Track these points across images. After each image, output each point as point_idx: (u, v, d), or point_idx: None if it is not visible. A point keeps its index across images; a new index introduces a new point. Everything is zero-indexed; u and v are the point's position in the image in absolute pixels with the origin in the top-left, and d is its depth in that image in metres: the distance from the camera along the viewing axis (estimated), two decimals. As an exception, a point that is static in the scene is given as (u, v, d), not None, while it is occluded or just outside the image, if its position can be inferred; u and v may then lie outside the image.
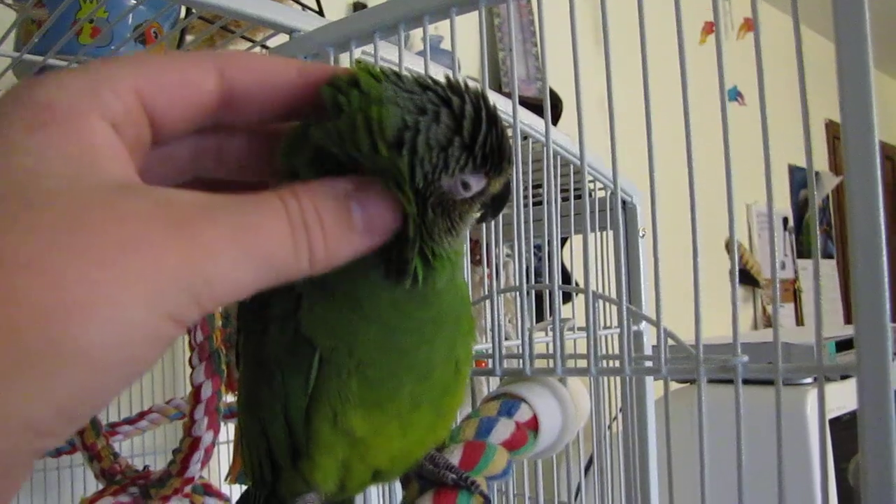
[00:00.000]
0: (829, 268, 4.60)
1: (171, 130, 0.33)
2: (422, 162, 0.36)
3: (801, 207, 4.39)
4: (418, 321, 0.44)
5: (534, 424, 0.56)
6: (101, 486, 1.19)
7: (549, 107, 0.64)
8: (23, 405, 0.23)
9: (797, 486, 0.54)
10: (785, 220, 4.25)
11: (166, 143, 0.34)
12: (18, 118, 0.28)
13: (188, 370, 1.07)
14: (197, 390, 1.01)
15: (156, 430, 1.47)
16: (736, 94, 3.09)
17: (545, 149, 0.63)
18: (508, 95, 0.90)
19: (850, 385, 0.47)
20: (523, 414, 0.56)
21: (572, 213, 1.01)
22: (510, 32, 0.69)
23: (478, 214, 0.43)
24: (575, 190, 1.02)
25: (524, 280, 0.61)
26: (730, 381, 0.55)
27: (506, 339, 0.66)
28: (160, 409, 1.42)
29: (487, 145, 0.39)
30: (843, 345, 2.23)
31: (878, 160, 0.49)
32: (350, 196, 0.35)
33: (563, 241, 1.43)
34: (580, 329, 0.79)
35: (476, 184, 0.40)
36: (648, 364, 0.58)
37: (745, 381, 0.53)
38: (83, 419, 0.26)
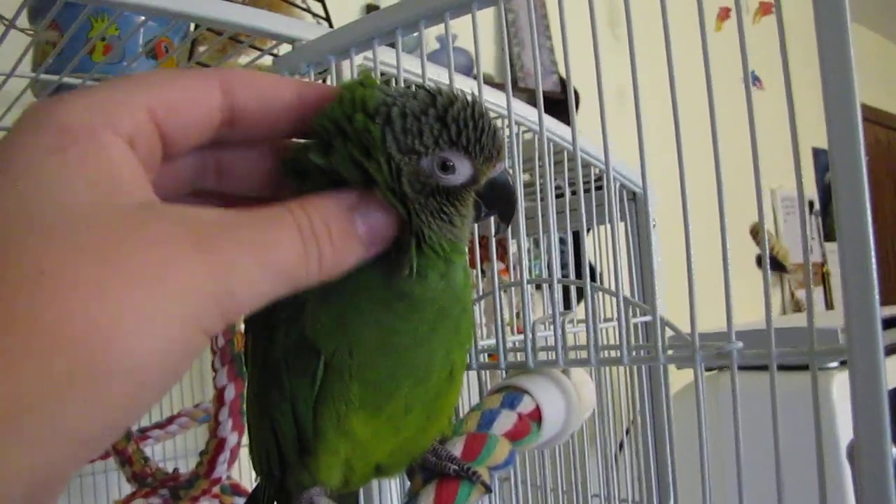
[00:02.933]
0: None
1: (179, 146, 0.35)
2: (393, 127, 0.39)
3: (826, 190, 4.34)
4: (414, 322, 0.45)
5: (537, 415, 0.57)
6: (133, 490, 1.22)
7: (572, 102, 0.66)
8: (76, 420, 0.25)
9: (826, 470, 0.54)
10: (811, 204, 4.21)
11: (174, 158, 0.36)
12: (40, 142, 0.29)
13: (213, 374, 1.09)
14: (220, 393, 1.04)
15: (186, 433, 1.50)
16: (755, 79, 3.07)
17: (574, 148, 0.64)
18: (523, 90, 0.91)
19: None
20: (526, 405, 0.57)
21: (582, 207, 1.01)
22: (531, 26, 0.71)
23: (472, 211, 0.44)
24: (584, 183, 1.03)
25: (525, 275, 0.62)
26: (752, 368, 0.55)
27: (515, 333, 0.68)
28: (189, 413, 1.45)
29: (461, 119, 0.41)
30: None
31: (862, 151, 0.49)
32: (353, 208, 0.38)
33: (588, 232, 1.44)
34: (580, 321, 0.81)
35: (461, 167, 0.42)
36: (645, 353, 0.59)
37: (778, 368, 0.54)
38: (124, 430, 0.28)
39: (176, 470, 1.23)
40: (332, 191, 0.38)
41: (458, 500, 0.49)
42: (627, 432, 1.17)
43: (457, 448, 0.51)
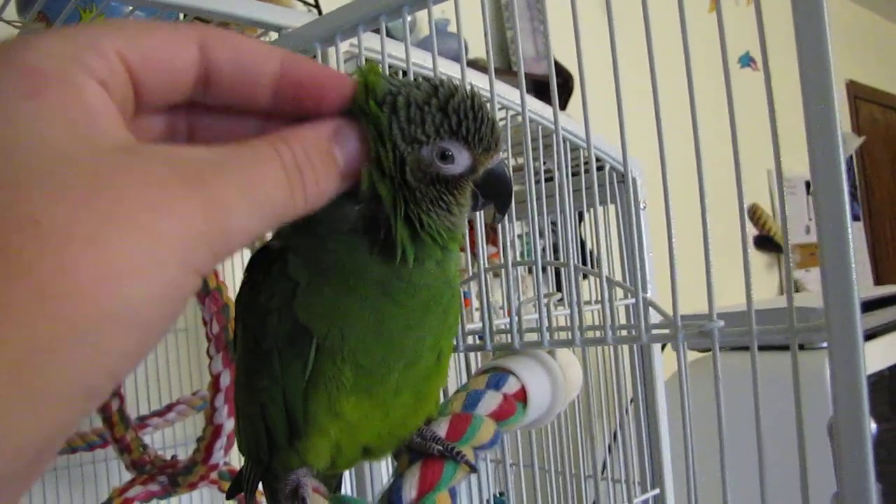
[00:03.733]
0: (854, 229, 4.54)
1: (152, 98, 0.34)
2: (398, 116, 0.41)
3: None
4: (407, 307, 0.46)
5: (522, 396, 0.58)
6: (132, 477, 1.23)
7: (554, 85, 0.66)
8: (83, 372, 0.25)
9: (818, 449, 0.55)
10: (808, 184, 4.20)
11: (146, 113, 0.35)
12: (13, 87, 0.28)
13: (209, 361, 1.10)
14: (216, 379, 1.05)
15: (184, 421, 1.52)
16: (749, 60, 3.06)
17: (556, 130, 0.64)
18: (516, 74, 0.91)
19: (873, 346, 0.49)
20: (511, 386, 0.58)
21: (566, 190, 1.02)
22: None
23: (470, 200, 0.46)
24: (573, 166, 1.03)
25: (509, 257, 0.63)
26: (745, 349, 0.56)
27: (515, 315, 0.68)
28: (187, 401, 1.46)
29: (461, 110, 0.42)
30: (866, 306, 2.22)
31: (839, 137, 0.50)
32: (331, 138, 0.37)
33: (581, 216, 1.45)
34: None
35: (459, 157, 0.43)
36: (629, 332, 0.60)
37: (764, 348, 0.54)
38: (125, 376, 0.28)
39: (174, 457, 1.24)
40: (311, 121, 0.37)
41: (443, 479, 0.50)
42: (626, 411, 1.18)
43: (442, 428, 0.52)
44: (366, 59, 0.73)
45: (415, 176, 0.42)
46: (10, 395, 0.23)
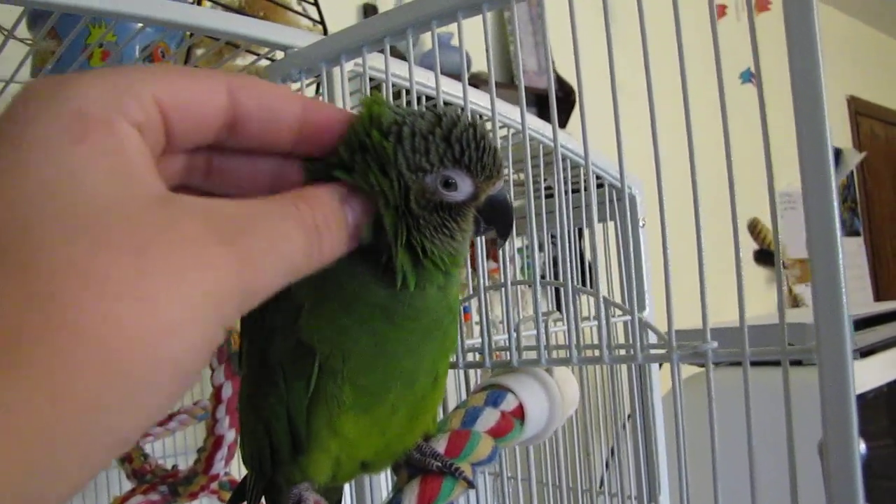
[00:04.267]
0: (854, 245, 4.56)
1: (180, 142, 0.35)
2: (403, 146, 0.42)
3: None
4: (407, 331, 0.48)
5: (520, 413, 0.59)
6: (132, 486, 1.24)
7: (553, 102, 0.67)
8: (120, 422, 0.25)
9: (814, 464, 0.56)
10: (808, 199, 4.21)
11: (171, 153, 0.36)
12: (58, 130, 0.28)
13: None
14: (218, 391, 1.06)
15: (185, 431, 1.52)
16: (750, 76, 3.08)
17: (555, 145, 0.66)
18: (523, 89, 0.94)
19: (872, 362, 0.50)
20: (509, 403, 0.59)
21: (570, 207, 1.03)
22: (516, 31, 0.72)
23: (472, 226, 0.47)
24: (573, 183, 1.05)
25: (508, 275, 0.64)
26: (760, 364, 0.57)
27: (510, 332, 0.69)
28: (188, 411, 1.47)
29: (464, 139, 0.44)
30: (866, 322, 2.23)
31: (830, 156, 0.51)
32: (343, 201, 0.39)
33: (581, 231, 1.46)
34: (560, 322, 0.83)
35: (462, 184, 0.45)
36: (625, 352, 0.61)
37: (761, 363, 0.55)
38: (156, 422, 0.29)
39: (175, 467, 1.25)
40: (324, 184, 0.39)
41: (441, 495, 0.51)
42: (624, 427, 1.19)
43: (441, 445, 0.53)
44: (370, 79, 0.74)
45: (419, 203, 0.43)
46: (55, 447, 0.24)
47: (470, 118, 0.45)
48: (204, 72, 0.36)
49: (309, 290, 0.46)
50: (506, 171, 0.84)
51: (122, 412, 0.25)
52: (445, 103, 0.85)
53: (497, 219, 0.48)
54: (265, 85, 0.38)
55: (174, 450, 1.61)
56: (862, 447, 0.53)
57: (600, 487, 1.19)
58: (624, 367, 1.13)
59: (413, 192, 0.43)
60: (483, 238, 0.77)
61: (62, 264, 0.25)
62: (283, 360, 0.48)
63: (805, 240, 0.50)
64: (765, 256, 3.65)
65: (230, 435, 1.08)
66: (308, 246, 0.35)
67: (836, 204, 0.51)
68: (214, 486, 1.17)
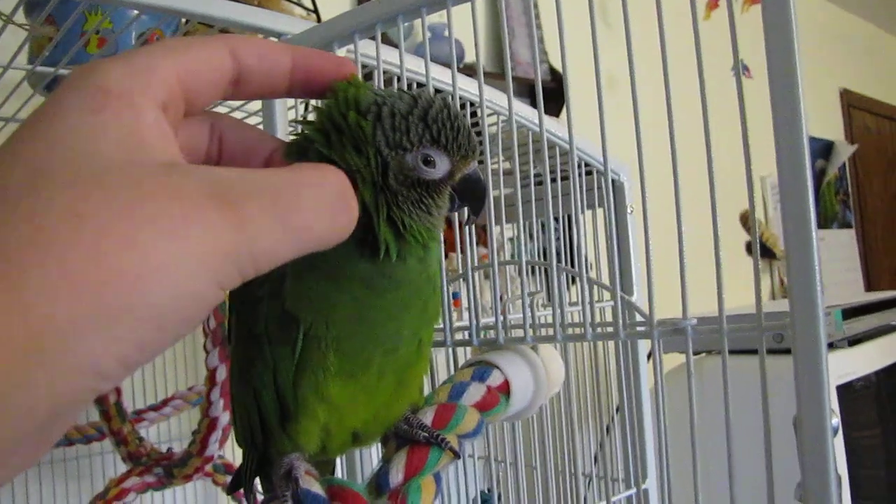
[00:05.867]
0: (847, 237, 4.59)
1: (196, 105, 0.38)
2: (383, 125, 0.45)
3: (817, 177, 4.38)
4: (388, 300, 0.50)
5: (505, 388, 0.61)
6: (128, 469, 1.26)
7: (539, 92, 0.69)
8: (95, 354, 0.27)
9: (789, 446, 0.58)
10: (800, 191, 4.24)
11: (190, 119, 0.39)
12: (79, 103, 0.31)
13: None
14: (212, 374, 1.07)
15: (180, 416, 1.54)
16: (743, 68, 3.08)
17: (541, 131, 0.67)
18: (512, 79, 0.95)
19: (859, 351, 0.51)
20: (495, 379, 0.61)
21: (560, 194, 1.05)
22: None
23: (447, 203, 0.49)
24: (562, 171, 1.07)
25: (496, 257, 0.66)
26: (749, 352, 0.57)
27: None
28: (182, 396, 1.49)
29: (440, 120, 0.46)
30: (855, 312, 2.25)
31: (805, 140, 0.52)
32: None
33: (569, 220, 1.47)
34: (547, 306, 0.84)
35: (440, 163, 0.47)
36: (609, 329, 0.63)
37: (742, 352, 0.57)
38: (138, 366, 0.30)
39: (170, 450, 1.27)
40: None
41: (428, 464, 0.53)
42: (618, 410, 1.21)
43: (428, 417, 0.55)
44: (362, 66, 0.76)
45: (397, 179, 0.46)
46: (28, 360, 0.25)
47: (444, 100, 0.47)
48: (205, 38, 0.39)
49: (293, 260, 0.47)
50: (494, 156, 0.86)
51: (96, 343, 0.27)
52: (437, 90, 0.87)
53: (470, 196, 0.50)
54: (259, 40, 0.41)
55: (168, 436, 1.63)
56: (835, 421, 0.54)
57: (592, 468, 1.21)
58: (612, 356, 1.15)
59: (392, 169, 0.45)
60: (474, 226, 0.79)
61: (58, 208, 0.27)
62: (268, 329, 0.50)
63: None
64: (759, 248, 3.66)
65: (225, 417, 1.10)
66: (330, 216, 0.35)
67: (810, 183, 0.52)
68: (209, 468, 1.19)
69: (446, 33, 0.72)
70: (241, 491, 0.61)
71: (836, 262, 4.42)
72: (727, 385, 0.56)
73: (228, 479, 1.33)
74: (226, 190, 0.31)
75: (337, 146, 0.44)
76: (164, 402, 1.49)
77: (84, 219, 0.27)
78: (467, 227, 0.73)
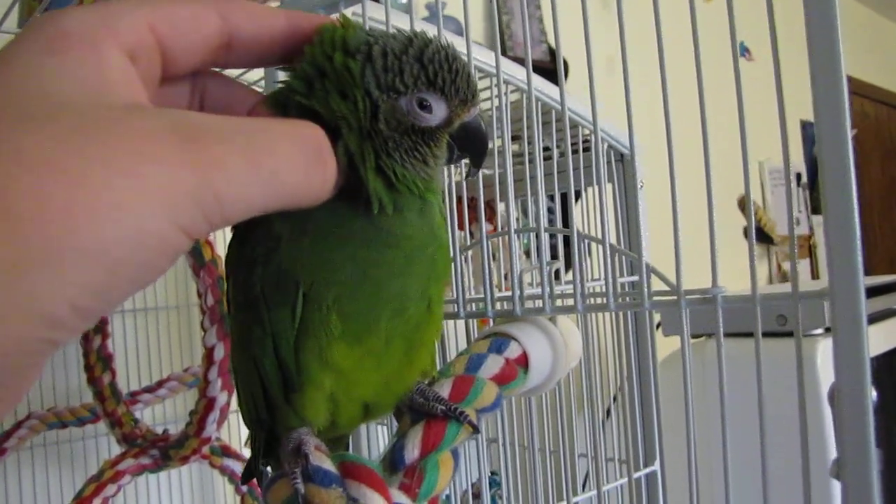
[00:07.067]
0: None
1: (179, 66, 0.36)
2: (374, 65, 0.41)
3: (814, 163, 4.36)
4: (389, 256, 0.46)
5: (523, 361, 0.58)
6: (123, 451, 1.23)
7: (561, 63, 0.66)
8: (40, 295, 0.25)
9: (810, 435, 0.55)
10: (798, 176, 4.22)
11: (173, 81, 0.37)
12: (38, 44, 0.30)
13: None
14: (210, 352, 1.04)
15: (174, 399, 1.51)
16: (744, 50, 3.06)
17: (562, 108, 0.64)
18: (512, 59, 0.92)
19: (879, 328, 0.49)
20: (513, 351, 0.58)
21: (570, 168, 1.02)
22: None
23: (445, 152, 0.46)
24: (572, 144, 1.03)
25: (512, 224, 0.63)
26: (737, 335, 0.55)
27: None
28: (178, 377, 1.46)
29: (437, 61, 0.43)
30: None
31: (847, 122, 0.49)
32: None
33: (577, 195, 1.44)
34: (567, 282, 0.81)
35: (437, 108, 0.44)
36: (631, 299, 0.60)
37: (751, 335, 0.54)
38: (95, 317, 0.28)
39: (166, 431, 1.24)
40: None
41: (446, 439, 0.49)
42: (615, 400, 1.18)
43: (444, 390, 0.52)
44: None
45: (388, 125, 0.42)
46: None
47: (441, 42, 0.44)
48: None
49: (287, 219, 0.45)
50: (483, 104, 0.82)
51: (41, 284, 0.25)
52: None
53: (471, 146, 0.47)
54: (251, 4, 0.39)
55: (164, 418, 1.60)
56: (873, 394, 0.52)
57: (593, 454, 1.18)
58: (621, 338, 1.12)
59: (383, 113, 0.42)
60: (483, 198, 0.76)
61: (6, 149, 0.26)
62: (265, 291, 0.46)
63: (794, 216, 0.50)
64: (756, 234, 3.65)
65: (222, 397, 1.07)
66: (305, 170, 0.35)
67: (852, 170, 0.49)
68: (206, 449, 1.16)
69: (445, 12, 0.69)
70: (255, 480, 0.58)
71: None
72: (760, 363, 0.53)
73: (225, 461, 1.30)
74: (192, 129, 0.30)
75: (320, 94, 0.41)
76: (159, 384, 1.46)
77: (24, 154, 0.25)
78: (482, 201, 0.70)
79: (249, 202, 0.32)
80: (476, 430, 0.51)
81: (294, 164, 0.34)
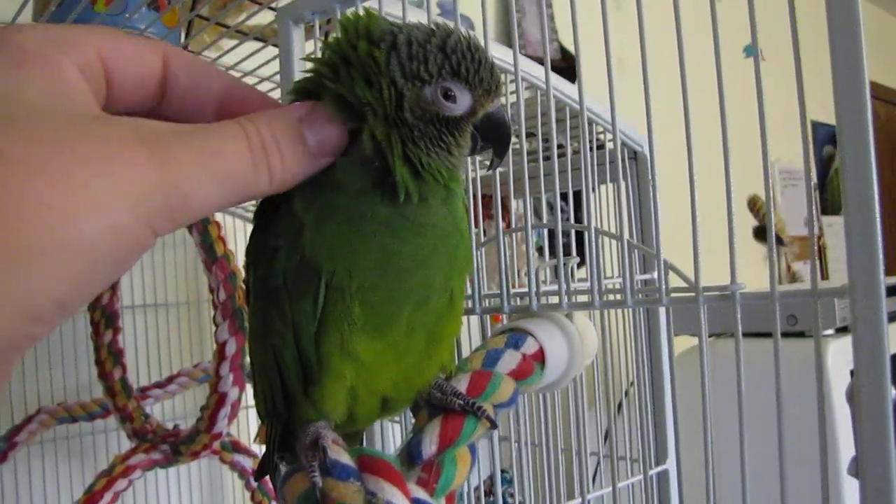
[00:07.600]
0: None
1: (120, 95, 0.38)
2: (399, 53, 0.42)
3: (825, 164, 4.34)
4: (414, 245, 0.46)
5: (540, 357, 0.58)
6: (133, 446, 1.23)
7: (579, 60, 0.65)
8: (24, 293, 0.26)
9: (810, 430, 0.55)
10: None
11: (113, 110, 0.39)
12: (1, 57, 0.32)
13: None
14: (221, 347, 1.04)
15: (185, 394, 1.51)
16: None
17: (581, 107, 0.64)
18: (524, 56, 0.92)
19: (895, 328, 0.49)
20: (530, 346, 0.57)
21: (586, 164, 1.01)
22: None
23: (469, 143, 0.46)
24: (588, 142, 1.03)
25: (529, 220, 0.62)
26: (746, 335, 0.55)
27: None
28: (188, 373, 1.46)
29: (460, 50, 0.43)
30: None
31: (869, 117, 0.49)
32: (302, 120, 0.41)
33: (578, 194, 1.44)
34: (581, 279, 0.81)
35: (461, 98, 0.44)
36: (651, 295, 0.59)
37: (765, 335, 0.54)
38: (72, 312, 0.30)
39: (176, 426, 1.24)
40: (285, 106, 0.42)
41: (463, 434, 0.49)
42: (626, 394, 1.18)
43: (462, 384, 0.52)
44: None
45: (413, 114, 0.43)
46: None
47: (464, 33, 0.44)
48: (142, 37, 0.40)
49: (311, 207, 0.45)
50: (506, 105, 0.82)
51: (28, 281, 0.26)
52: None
53: (494, 136, 0.47)
54: (197, 58, 0.42)
55: (173, 414, 1.60)
56: (893, 392, 0.51)
57: (605, 453, 1.18)
58: (630, 338, 1.11)
59: (407, 101, 0.42)
60: (499, 192, 0.76)
61: None
62: (287, 281, 0.46)
63: (803, 217, 0.50)
64: (764, 233, 3.64)
65: (234, 392, 1.07)
66: (252, 164, 0.37)
67: (874, 171, 0.49)
68: (216, 445, 1.16)
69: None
70: (268, 478, 0.58)
71: (845, 248, 4.39)
72: (778, 361, 0.53)
73: (235, 457, 1.30)
74: (152, 134, 0.32)
75: (345, 80, 0.42)
76: (170, 380, 1.46)
77: (4, 154, 0.27)
78: (498, 196, 0.69)
79: (208, 198, 0.34)
80: (494, 425, 0.51)
81: (241, 160, 0.36)
